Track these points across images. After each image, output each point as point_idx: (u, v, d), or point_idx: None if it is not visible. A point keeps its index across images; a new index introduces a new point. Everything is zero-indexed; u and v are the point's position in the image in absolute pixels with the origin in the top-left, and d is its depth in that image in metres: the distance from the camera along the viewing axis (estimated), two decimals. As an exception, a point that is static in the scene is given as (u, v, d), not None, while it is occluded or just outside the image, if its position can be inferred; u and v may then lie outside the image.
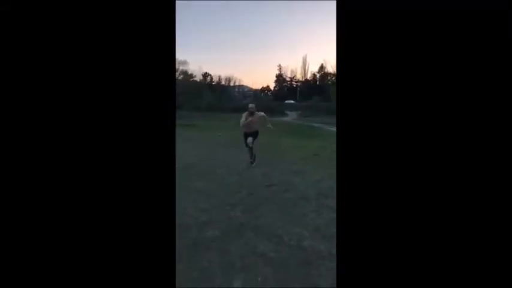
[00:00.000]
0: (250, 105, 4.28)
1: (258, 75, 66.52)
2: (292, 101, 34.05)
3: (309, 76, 42.01)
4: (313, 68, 57.08)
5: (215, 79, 40.09)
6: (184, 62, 31.67)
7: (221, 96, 31.88)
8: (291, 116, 22.54)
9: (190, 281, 1.49)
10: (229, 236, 2.01)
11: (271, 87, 45.11)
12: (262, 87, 45.03)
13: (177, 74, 31.34)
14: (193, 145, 6.60)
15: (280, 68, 44.00)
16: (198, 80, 34.65)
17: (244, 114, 4.22)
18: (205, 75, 38.56)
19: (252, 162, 4.31)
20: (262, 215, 2.40)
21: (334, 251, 1.73)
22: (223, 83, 40.58)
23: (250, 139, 4.25)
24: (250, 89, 44.75)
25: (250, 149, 4.33)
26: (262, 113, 4.43)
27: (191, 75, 32.85)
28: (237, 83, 42.62)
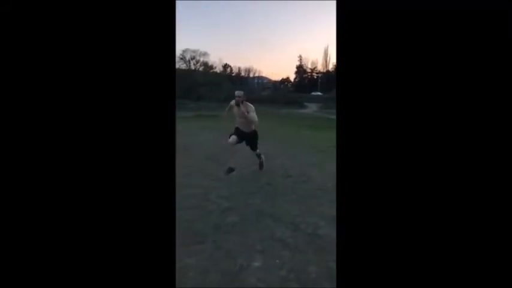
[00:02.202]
0: (237, 92, 3.12)
1: (278, 67, 65.72)
2: (319, 93, 33.34)
3: (330, 67, 40.91)
4: (335, 59, 55.16)
5: (235, 70, 40.23)
6: (205, 54, 31.99)
7: (240, 88, 31.94)
8: (311, 108, 22.19)
9: (215, 260, 1.64)
10: (249, 222, 2.14)
11: (291, 79, 44.50)
12: (282, 79, 44.50)
13: (197, 65, 31.75)
14: (214, 135, 6.79)
15: (300, 59, 43.23)
16: (218, 72, 34.91)
17: (231, 104, 3.22)
18: (225, 66, 38.76)
19: (228, 172, 3.19)
20: (280, 204, 2.50)
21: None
22: (242, 74, 40.65)
23: (233, 138, 3.15)
24: (270, 80, 44.39)
25: (259, 158, 3.46)
26: (252, 107, 3.12)
27: (211, 67, 33.15)
28: (256, 74, 42.50)
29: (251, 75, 41.72)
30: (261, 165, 3.56)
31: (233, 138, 3.16)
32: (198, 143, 5.53)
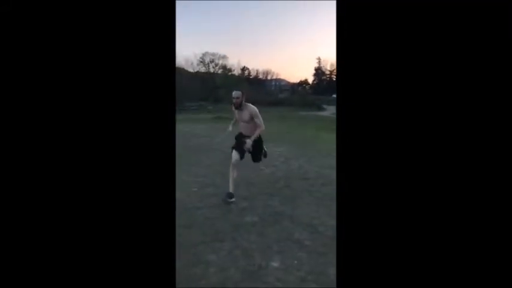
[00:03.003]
0: (235, 93, 2.62)
1: (296, 69, 65.36)
2: None
3: (350, 69, 40.08)
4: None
5: (253, 73, 40.52)
6: (224, 57, 32.52)
7: (258, 90, 32.20)
8: (329, 111, 21.85)
9: (235, 258, 1.68)
10: (267, 223, 2.17)
11: (310, 81, 44.12)
12: (300, 81, 44.27)
13: (216, 68, 32.34)
14: (232, 137, 6.89)
15: (319, 61, 42.81)
16: (237, 74, 35.29)
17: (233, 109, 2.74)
18: (244, 69, 39.13)
19: (229, 198, 2.54)
20: (299, 206, 2.51)
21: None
22: (260, 76, 40.84)
23: (236, 155, 2.64)
24: (288, 83, 44.29)
25: (264, 157, 2.95)
26: (255, 109, 2.60)
27: (230, 70, 33.60)
28: (274, 77, 42.53)
29: (269, 77, 41.82)
30: (264, 153, 3.07)
31: (236, 156, 2.64)
32: (217, 144, 5.63)
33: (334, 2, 0.87)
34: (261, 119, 2.62)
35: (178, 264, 1.59)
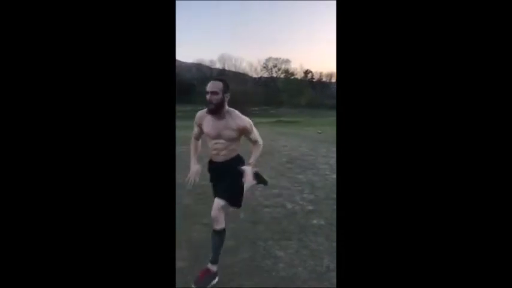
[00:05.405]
0: (211, 84, 1.43)
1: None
2: None
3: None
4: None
5: (316, 76, 39.65)
6: (287, 61, 32.88)
7: (321, 93, 31.40)
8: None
9: (302, 257, 1.73)
10: (334, 227, 2.14)
11: (379, 82, 40.75)
12: (368, 82, 41.27)
13: (279, 72, 32.90)
14: (295, 140, 6.92)
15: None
16: (299, 78, 35.13)
17: (199, 115, 1.55)
18: (307, 72, 38.68)
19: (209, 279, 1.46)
20: (368, 214, 2.39)
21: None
22: (324, 79, 39.66)
23: (219, 203, 1.46)
24: (354, 85, 41.84)
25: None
26: (247, 120, 1.51)
27: (292, 73, 33.70)
28: (339, 79, 40.76)
29: (333, 80, 40.25)
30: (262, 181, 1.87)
31: (219, 203, 1.47)
32: (279, 147, 5.76)
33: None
34: (257, 133, 1.60)
35: (246, 255, 1.73)
